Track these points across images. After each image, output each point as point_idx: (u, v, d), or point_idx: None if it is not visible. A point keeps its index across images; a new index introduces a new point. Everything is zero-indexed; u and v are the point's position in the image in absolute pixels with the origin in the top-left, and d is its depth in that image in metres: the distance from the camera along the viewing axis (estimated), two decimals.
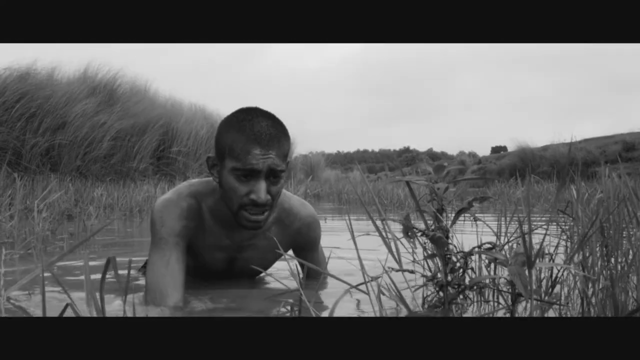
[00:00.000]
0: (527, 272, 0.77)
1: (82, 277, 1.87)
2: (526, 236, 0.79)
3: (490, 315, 1.14)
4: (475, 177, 1.00)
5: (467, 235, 2.29)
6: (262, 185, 1.36)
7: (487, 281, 1.30)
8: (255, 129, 1.35)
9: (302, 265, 1.71)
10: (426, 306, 1.20)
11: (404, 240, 1.18)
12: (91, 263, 2.21)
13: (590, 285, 1.27)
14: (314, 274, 1.77)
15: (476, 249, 1.02)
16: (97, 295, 0.84)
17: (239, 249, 1.58)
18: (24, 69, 7.56)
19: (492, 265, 1.25)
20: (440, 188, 0.95)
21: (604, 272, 1.39)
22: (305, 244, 1.68)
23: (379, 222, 1.12)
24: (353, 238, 1.08)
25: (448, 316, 0.96)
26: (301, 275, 1.82)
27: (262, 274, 1.76)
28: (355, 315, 1.33)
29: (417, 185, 1.03)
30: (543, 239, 1.02)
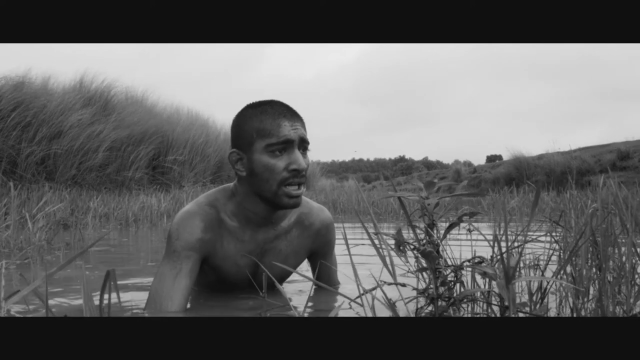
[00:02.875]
0: (506, 286, 0.79)
1: (78, 287, 1.88)
2: (504, 254, 0.81)
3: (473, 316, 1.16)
4: (464, 194, 1.02)
5: (463, 243, 2.31)
6: (299, 154, 1.45)
7: (478, 294, 1.32)
8: (276, 107, 1.46)
9: (314, 271, 1.75)
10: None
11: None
12: (86, 273, 2.21)
13: (580, 296, 1.29)
14: (327, 280, 1.78)
15: (466, 263, 1.04)
16: (96, 306, 0.85)
17: (262, 253, 1.58)
18: (19, 78, 7.55)
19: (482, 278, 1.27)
20: (431, 204, 0.98)
21: (594, 283, 1.41)
22: (322, 246, 1.72)
23: (373, 234, 1.15)
24: (349, 251, 1.11)
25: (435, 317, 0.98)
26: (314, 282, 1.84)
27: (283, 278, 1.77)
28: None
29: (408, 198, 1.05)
30: (522, 255, 1.04)
